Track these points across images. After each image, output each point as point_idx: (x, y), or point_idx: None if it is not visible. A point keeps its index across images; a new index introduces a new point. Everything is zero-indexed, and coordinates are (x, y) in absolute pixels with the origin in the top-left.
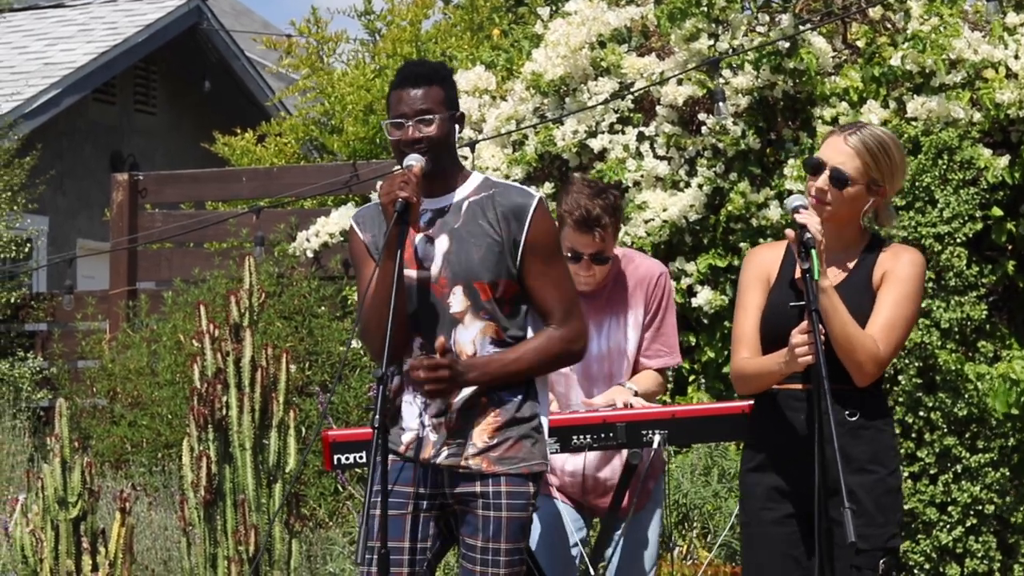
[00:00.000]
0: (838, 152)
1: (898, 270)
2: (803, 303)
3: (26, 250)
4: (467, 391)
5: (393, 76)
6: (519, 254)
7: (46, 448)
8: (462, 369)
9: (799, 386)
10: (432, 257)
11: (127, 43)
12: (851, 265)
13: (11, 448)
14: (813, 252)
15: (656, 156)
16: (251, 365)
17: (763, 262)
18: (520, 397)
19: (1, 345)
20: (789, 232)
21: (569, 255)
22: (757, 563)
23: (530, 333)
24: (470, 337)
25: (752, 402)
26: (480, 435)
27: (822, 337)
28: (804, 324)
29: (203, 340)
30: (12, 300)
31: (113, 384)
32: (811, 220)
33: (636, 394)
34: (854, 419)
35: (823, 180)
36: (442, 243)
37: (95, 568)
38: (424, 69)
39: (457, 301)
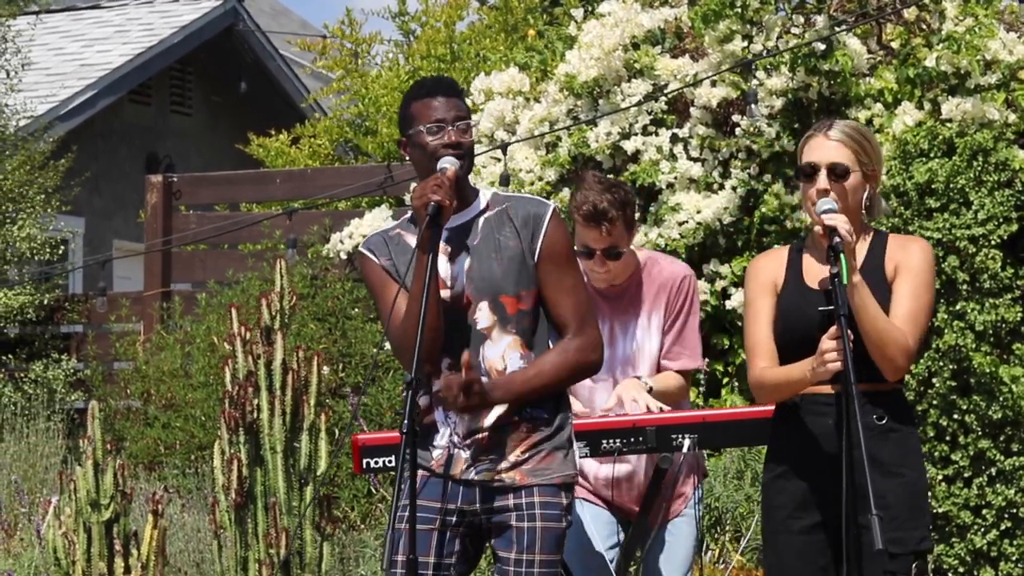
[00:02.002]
0: (825, 149)
1: (910, 261)
2: (832, 307)
3: (60, 252)
4: (497, 410)
5: (410, 90)
6: (535, 262)
7: (79, 450)
8: (488, 388)
9: (825, 390)
10: (455, 276)
11: (162, 44)
12: (861, 259)
13: (45, 450)
14: (843, 256)
15: (690, 158)
16: (282, 368)
17: (768, 269)
18: (551, 411)
19: (35, 347)
20: (818, 229)
21: (582, 251)
22: (783, 572)
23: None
24: (499, 353)
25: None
26: (512, 451)
27: (851, 343)
28: (833, 330)
29: (234, 343)
30: (45, 302)
31: (147, 386)
32: (840, 222)
33: (651, 390)
34: (882, 422)
35: (823, 180)
36: (463, 261)
37: (127, 570)
38: (449, 81)
39: (484, 317)
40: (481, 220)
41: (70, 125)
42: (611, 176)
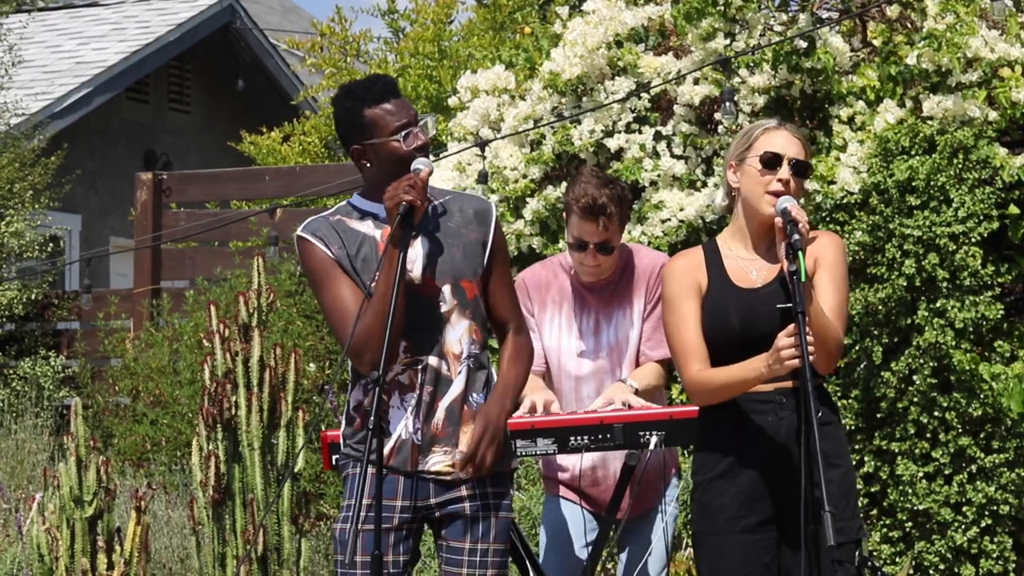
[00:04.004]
0: (791, 143)
1: (826, 255)
2: (790, 305)
3: (48, 249)
4: (452, 395)
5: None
6: (486, 255)
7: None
8: (495, 428)
9: (761, 388)
10: (413, 259)
11: (158, 42)
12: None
13: (32, 447)
14: (800, 254)
15: (673, 155)
16: (259, 365)
17: (688, 270)
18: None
19: (25, 344)
20: (779, 221)
21: (574, 243)
22: (727, 573)
23: None
24: (456, 336)
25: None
26: (464, 442)
27: (808, 339)
28: (791, 327)
29: (213, 340)
30: (33, 297)
31: (136, 383)
32: (803, 219)
33: (637, 392)
34: (819, 415)
35: (786, 171)
36: (419, 245)
37: (111, 566)
38: (392, 81)
39: (444, 301)
40: (429, 209)
41: (65, 122)
42: None
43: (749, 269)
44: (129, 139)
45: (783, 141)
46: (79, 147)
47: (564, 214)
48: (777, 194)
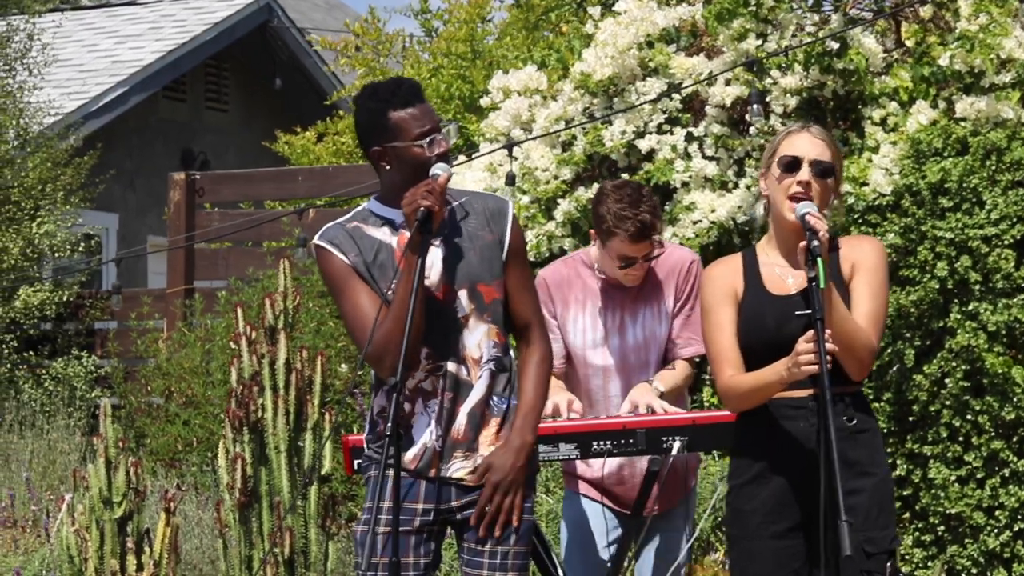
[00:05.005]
0: (812, 145)
1: (866, 259)
2: (809, 312)
3: (80, 248)
4: (473, 400)
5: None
6: (504, 255)
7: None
8: (519, 446)
9: (793, 394)
10: (430, 264)
11: (195, 41)
12: None
13: (64, 447)
14: (819, 260)
15: (704, 157)
16: (286, 367)
17: (725, 276)
18: (515, 404)
19: (58, 343)
20: (790, 216)
21: (621, 264)
22: None
23: None
24: (475, 341)
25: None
26: (485, 445)
27: (828, 345)
28: (810, 334)
29: (240, 342)
30: (66, 297)
31: (168, 383)
32: (821, 226)
33: (661, 394)
34: (852, 423)
35: (806, 173)
36: (436, 251)
37: (140, 568)
38: (417, 85)
39: (462, 305)
40: (446, 212)
41: (101, 122)
42: (625, 175)
43: (785, 276)
44: (167, 138)
45: (804, 143)
46: (116, 146)
47: (595, 234)
48: (796, 198)
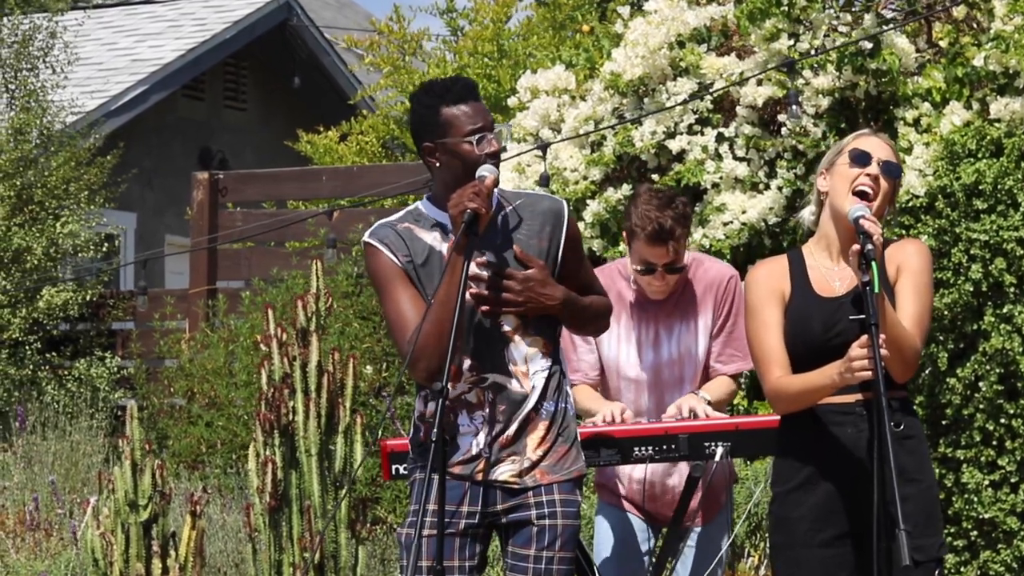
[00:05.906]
0: (880, 147)
1: (911, 262)
2: (862, 316)
3: (103, 248)
4: (525, 409)
5: (430, 93)
6: (559, 254)
7: (120, 449)
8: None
9: (841, 399)
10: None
11: (215, 39)
12: None
13: (87, 448)
14: (874, 264)
15: (735, 157)
16: (317, 370)
17: (772, 277)
18: (562, 406)
19: (80, 344)
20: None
21: (641, 268)
22: None
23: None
24: (522, 355)
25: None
26: (532, 448)
27: (881, 351)
28: (864, 339)
29: (270, 344)
30: (87, 298)
31: (191, 384)
32: (875, 230)
33: (709, 403)
34: (899, 429)
35: (875, 167)
36: (485, 263)
37: (165, 571)
38: (473, 83)
39: (508, 319)
40: (499, 218)
41: (121, 120)
42: (655, 176)
43: (832, 278)
44: (185, 137)
45: (875, 144)
46: (135, 145)
47: (625, 235)
48: (863, 194)
